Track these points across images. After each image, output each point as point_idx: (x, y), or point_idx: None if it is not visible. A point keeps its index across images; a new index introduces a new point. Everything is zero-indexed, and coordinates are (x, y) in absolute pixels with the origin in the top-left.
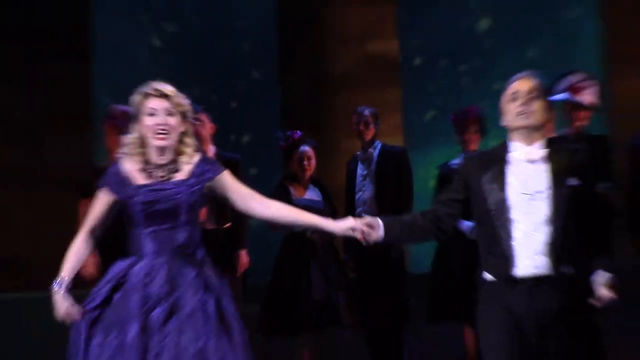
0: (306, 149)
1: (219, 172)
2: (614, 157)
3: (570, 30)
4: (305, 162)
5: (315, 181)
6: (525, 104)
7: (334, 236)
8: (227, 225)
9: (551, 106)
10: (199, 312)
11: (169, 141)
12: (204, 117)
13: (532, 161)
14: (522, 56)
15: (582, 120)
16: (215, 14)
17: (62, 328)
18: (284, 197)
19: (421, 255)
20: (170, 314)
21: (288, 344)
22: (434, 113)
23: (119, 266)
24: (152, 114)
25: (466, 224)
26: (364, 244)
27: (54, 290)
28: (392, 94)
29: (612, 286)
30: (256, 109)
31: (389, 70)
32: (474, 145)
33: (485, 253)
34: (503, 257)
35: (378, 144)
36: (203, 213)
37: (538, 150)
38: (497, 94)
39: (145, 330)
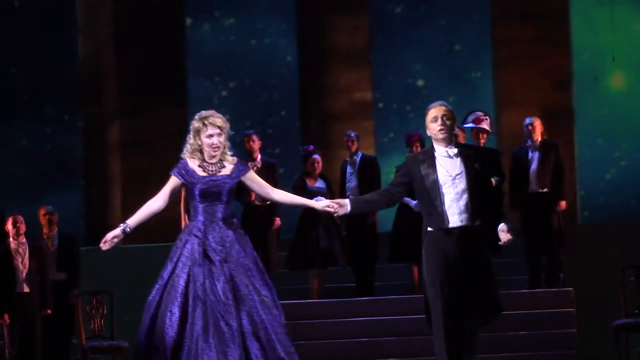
0: (316, 156)
1: (247, 170)
2: (502, 161)
3: (475, 85)
4: (316, 165)
5: (322, 176)
6: (442, 124)
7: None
8: (268, 202)
9: (455, 121)
10: (244, 260)
11: (220, 152)
12: (255, 137)
13: (450, 156)
14: (445, 101)
15: (483, 140)
16: (258, 77)
17: None
18: (302, 185)
19: (384, 220)
20: (224, 260)
21: (304, 275)
22: (393, 135)
23: (187, 228)
24: (210, 136)
25: (412, 202)
26: (335, 215)
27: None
28: (368, 124)
29: (508, 231)
30: (284, 134)
31: (367, 110)
32: None
33: (427, 215)
34: (440, 216)
35: (360, 154)
36: (253, 195)
37: (453, 149)
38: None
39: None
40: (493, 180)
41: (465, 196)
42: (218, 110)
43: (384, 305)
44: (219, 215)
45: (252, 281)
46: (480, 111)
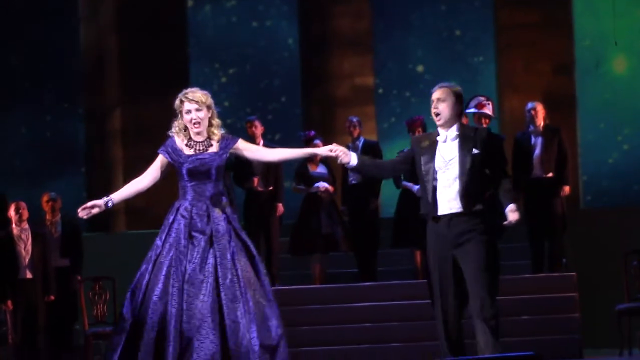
0: (317, 142)
1: (235, 140)
2: (504, 146)
3: (478, 69)
4: None
5: (324, 161)
6: (435, 107)
7: (335, 195)
8: (271, 188)
9: (458, 101)
10: (230, 239)
11: (201, 127)
12: (257, 122)
13: (447, 140)
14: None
15: (485, 125)
16: (260, 63)
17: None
18: (304, 170)
19: (386, 206)
20: (210, 239)
21: (306, 260)
22: (394, 120)
23: (174, 207)
24: (188, 112)
25: (414, 186)
26: (338, 161)
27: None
28: (370, 110)
29: (516, 210)
30: (286, 119)
31: (367, 95)
32: None
33: (423, 200)
34: (429, 202)
35: (362, 139)
36: (256, 181)
37: (453, 132)
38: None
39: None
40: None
41: (457, 182)
42: (217, 94)
43: (387, 290)
44: (208, 193)
45: (237, 264)
46: (482, 96)
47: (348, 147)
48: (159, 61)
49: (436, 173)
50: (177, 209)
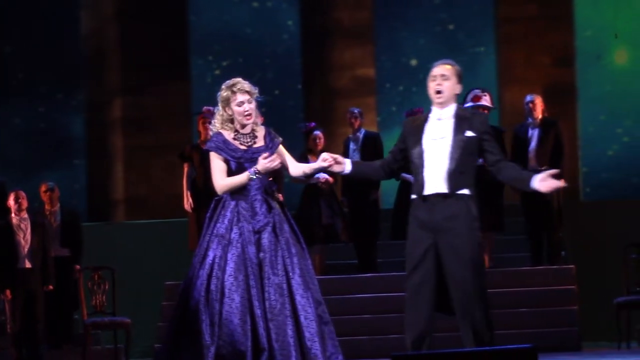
0: (318, 133)
1: (279, 142)
2: (504, 139)
3: (478, 60)
4: (318, 141)
5: (324, 152)
6: (438, 84)
7: (335, 186)
8: (270, 179)
9: (461, 82)
10: (292, 235)
11: (252, 119)
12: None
13: (443, 119)
14: None
15: None
16: (254, 61)
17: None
18: (304, 161)
19: (387, 197)
20: (274, 234)
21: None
22: (395, 109)
23: (229, 205)
24: (240, 105)
25: (412, 178)
26: (329, 169)
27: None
28: (371, 101)
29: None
30: (286, 110)
31: (368, 86)
32: None
33: (414, 181)
34: (419, 181)
35: (362, 131)
36: None
37: (450, 111)
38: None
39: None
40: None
41: (446, 162)
42: (211, 86)
43: (386, 281)
44: (260, 187)
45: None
46: (478, 89)
47: (348, 139)
48: (159, 50)
49: (424, 152)
50: (234, 205)
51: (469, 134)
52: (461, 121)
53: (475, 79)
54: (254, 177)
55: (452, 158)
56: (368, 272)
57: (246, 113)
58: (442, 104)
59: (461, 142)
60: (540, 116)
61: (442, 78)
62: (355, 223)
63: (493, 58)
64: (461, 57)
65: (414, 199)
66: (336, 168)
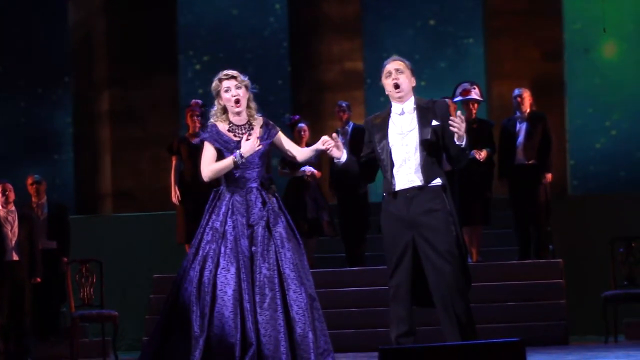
0: (302, 125)
1: (277, 130)
2: (493, 132)
3: (468, 52)
4: (303, 133)
5: (309, 145)
6: (395, 79)
7: (321, 179)
8: (266, 173)
9: (413, 75)
10: (284, 224)
11: (242, 105)
12: None
13: (404, 112)
14: (436, 67)
15: (474, 110)
16: (241, 56)
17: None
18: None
19: (376, 191)
20: (268, 228)
21: None
22: (384, 101)
23: (224, 197)
24: (227, 90)
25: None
26: (327, 153)
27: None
28: (359, 95)
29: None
30: (274, 102)
31: (357, 79)
32: None
33: (385, 178)
34: (388, 178)
35: (351, 124)
36: None
37: (410, 105)
38: (423, 89)
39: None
40: (484, 151)
41: (417, 155)
42: (191, 81)
43: (374, 275)
44: (256, 180)
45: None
46: (466, 82)
47: (337, 132)
48: (147, 42)
49: (392, 147)
50: (231, 201)
51: (435, 123)
52: (425, 111)
53: (463, 72)
54: (239, 160)
55: (422, 149)
56: (356, 265)
57: (234, 98)
58: (402, 98)
59: (429, 133)
60: (528, 110)
61: (398, 72)
62: (344, 216)
63: (481, 51)
64: (450, 49)
65: (385, 196)
66: (335, 153)
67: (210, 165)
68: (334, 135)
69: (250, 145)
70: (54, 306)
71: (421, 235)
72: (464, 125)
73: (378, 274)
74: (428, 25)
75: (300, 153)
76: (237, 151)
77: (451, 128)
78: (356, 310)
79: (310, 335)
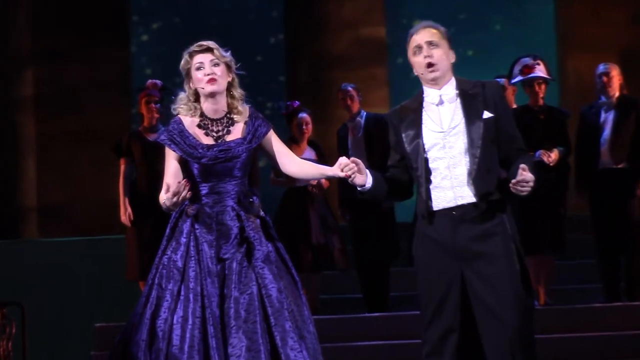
0: (304, 115)
1: (269, 127)
2: (568, 125)
3: (530, 18)
4: (304, 127)
5: (312, 143)
6: (428, 56)
7: (328, 191)
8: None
9: (451, 46)
10: (272, 257)
11: (218, 86)
12: None
13: (442, 102)
14: (488, 31)
15: (541, 93)
16: (230, 17)
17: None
18: None
19: (403, 207)
20: (249, 262)
21: None
22: (416, 80)
23: (187, 224)
24: (199, 68)
25: None
26: (349, 181)
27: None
28: (381, 72)
29: (526, 170)
30: (264, 83)
31: (378, 51)
32: None
33: (419, 193)
34: (423, 194)
35: (364, 113)
36: None
37: (450, 90)
38: (470, 60)
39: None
40: (555, 152)
41: (465, 160)
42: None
43: (403, 323)
44: (232, 196)
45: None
46: (527, 56)
47: (344, 127)
48: (85, 3)
49: (428, 151)
50: (190, 222)
51: (487, 115)
52: (472, 99)
53: (525, 41)
54: (166, 210)
55: (473, 153)
56: (377, 310)
57: (209, 77)
58: (438, 81)
59: (480, 128)
60: (617, 93)
61: (431, 46)
62: (360, 242)
63: (551, 11)
64: (507, 9)
65: (420, 217)
66: (359, 180)
67: (170, 185)
68: (354, 159)
69: (171, 195)
70: None
71: (472, 269)
72: (530, 182)
73: (407, 322)
74: None
75: (299, 167)
76: (166, 196)
77: (515, 189)
78: None
79: None
